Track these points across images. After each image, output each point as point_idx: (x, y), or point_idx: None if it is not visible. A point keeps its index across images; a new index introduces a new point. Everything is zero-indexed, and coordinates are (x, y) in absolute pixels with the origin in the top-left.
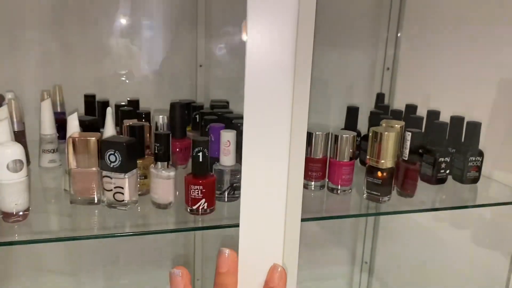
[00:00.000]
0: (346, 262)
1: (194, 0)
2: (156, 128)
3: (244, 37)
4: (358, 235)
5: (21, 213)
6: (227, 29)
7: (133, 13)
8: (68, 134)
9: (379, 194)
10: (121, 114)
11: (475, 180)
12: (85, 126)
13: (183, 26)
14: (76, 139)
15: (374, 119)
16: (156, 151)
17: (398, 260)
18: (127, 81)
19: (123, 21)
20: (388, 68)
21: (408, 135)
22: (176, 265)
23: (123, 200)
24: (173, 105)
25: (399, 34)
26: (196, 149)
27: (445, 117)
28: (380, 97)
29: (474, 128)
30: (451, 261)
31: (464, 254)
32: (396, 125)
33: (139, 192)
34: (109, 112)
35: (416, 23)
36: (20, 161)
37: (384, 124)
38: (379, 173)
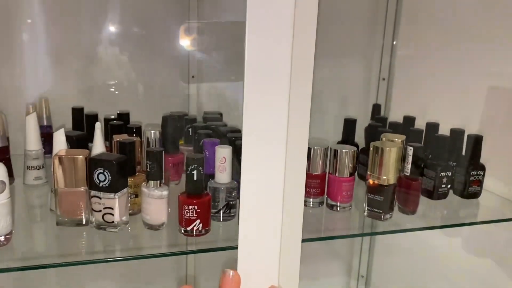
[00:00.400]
0: (343, 275)
1: (186, 10)
2: (148, 144)
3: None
4: (354, 248)
5: (2, 237)
6: (220, 38)
7: (122, 22)
8: (54, 151)
9: (381, 211)
10: (110, 129)
11: (476, 194)
12: (72, 141)
13: (176, 35)
14: (63, 157)
15: (372, 132)
16: (148, 169)
17: (395, 274)
18: (116, 92)
19: (112, 30)
20: (383, 79)
21: (410, 150)
22: (167, 285)
23: (113, 222)
24: (165, 119)
25: (394, 42)
26: (191, 167)
27: (443, 128)
28: (376, 108)
29: (476, 141)
30: (448, 275)
31: (463, 268)
32: (397, 139)
33: (130, 211)
34: (98, 127)
35: (412, 31)
36: (2, 182)
37: (384, 138)
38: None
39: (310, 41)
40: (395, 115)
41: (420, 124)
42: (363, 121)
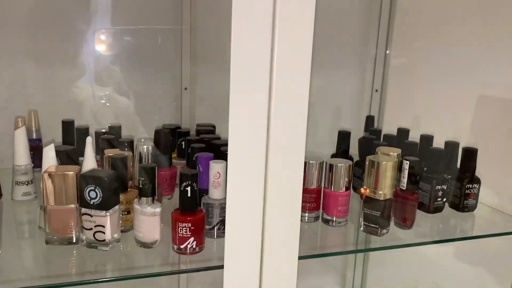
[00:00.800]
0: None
1: (179, 21)
2: (140, 159)
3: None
4: (348, 260)
5: None
6: (213, 51)
7: (114, 32)
8: (43, 167)
9: (377, 226)
10: (101, 143)
11: (472, 208)
12: (63, 156)
13: (168, 47)
14: (53, 173)
15: (367, 145)
16: (141, 186)
17: (389, 287)
18: (108, 104)
19: (103, 39)
20: (376, 90)
21: (406, 164)
22: None
23: (104, 240)
24: (158, 133)
25: (387, 51)
26: (184, 183)
27: (437, 140)
28: (370, 120)
29: (471, 154)
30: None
31: (457, 280)
32: (392, 153)
33: (122, 228)
34: (89, 142)
35: (405, 42)
36: None
37: (379, 152)
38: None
39: (307, 53)
40: (389, 127)
41: (414, 136)
42: (356, 133)
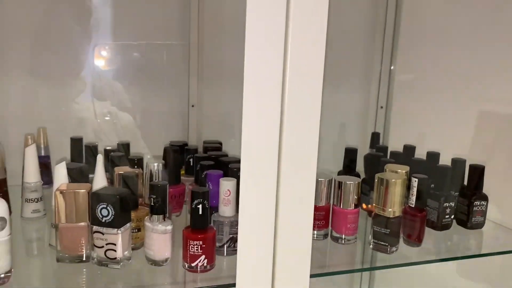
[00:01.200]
0: None
1: (186, 38)
2: (150, 176)
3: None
4: (354, 278)
5: (2, 275)
6: (220, 68)
7: (122, 49)
8: (55, 185)
9: (387, 244)
10: (111, 160)
11: (480, 225)
12: (73, 174)
13: (175, 64)
14: (65, 191)
15: (373, 162)
16: (152, 203)
17: None
18: (114, 121)
19: (111, 56)
20: (381, 107)
21: (415, 181)
22: None
23: (115, 258)
24: (166, 151)
25: (392, 67)
26: (196, 201)
27: (443, 157)
28: (375, 136)
29: (478, 171)
30: None
31: None
32: (400, 170)
33: (132, 246)
34: (100, 160)
35: (410, 58)
36: (3, 218)
37: (388, 169)
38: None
39: (318, 71)
40: (394, 143)
41: (419, 153)
42: (361, 150)
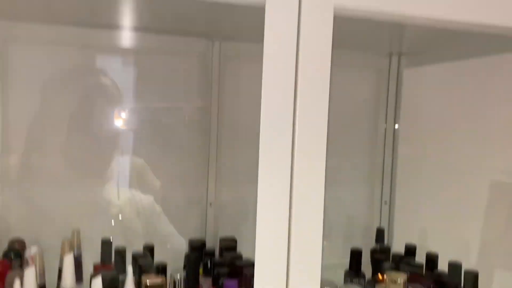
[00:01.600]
0: None
1: (207, 139)
2: (174, 285)
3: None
4: None
5: None
6: (238, 167)
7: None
8: None
9: None
10: (139, 267)
11: None
12: (105, 281)
13: (194, 163)
14: None
15: (377, 264)
16: None
17: None
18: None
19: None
20: (385, 202)
21: None
22: None
23: None
24: (188, 258)
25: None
26: None
27: (442, 258)
28: (380, 233)
29: (472, 278)
30: None
31: None
32: (399, 279)
33: None
34: (130, 272)
35: (411, 150)
36: None
37: (387, 279)
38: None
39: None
40: (399, 241)
41: (421, 253)
42: (367, 245)
